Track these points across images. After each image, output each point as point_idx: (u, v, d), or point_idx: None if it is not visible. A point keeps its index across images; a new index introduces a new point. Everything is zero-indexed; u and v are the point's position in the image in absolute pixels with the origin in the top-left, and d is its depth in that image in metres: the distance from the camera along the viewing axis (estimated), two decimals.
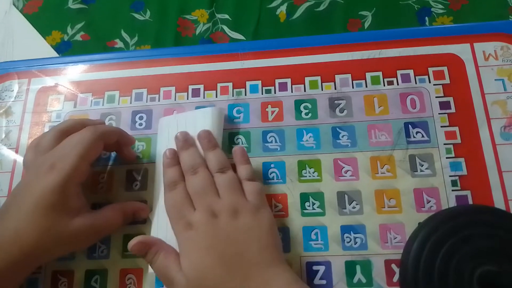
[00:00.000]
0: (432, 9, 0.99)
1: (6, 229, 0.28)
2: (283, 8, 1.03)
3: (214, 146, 0.32)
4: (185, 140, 0.33)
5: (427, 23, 0.98)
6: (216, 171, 0.31)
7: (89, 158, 0.30)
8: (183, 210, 0.29)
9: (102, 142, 0.31)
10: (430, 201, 0.31)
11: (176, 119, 0.35)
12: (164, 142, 0.34)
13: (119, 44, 1.03)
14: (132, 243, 0.29)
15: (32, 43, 1.04)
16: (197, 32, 1.03)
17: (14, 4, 1.10)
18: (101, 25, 1.06)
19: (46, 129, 0.37)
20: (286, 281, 0.27)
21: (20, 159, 0.36)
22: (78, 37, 1.05)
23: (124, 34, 1.04)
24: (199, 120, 0.34)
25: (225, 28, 1.02)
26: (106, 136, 0.31)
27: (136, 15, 1.06)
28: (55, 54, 1.02)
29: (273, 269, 0.27)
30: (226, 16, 1.03)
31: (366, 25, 0.99)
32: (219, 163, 0.31)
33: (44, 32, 1.05)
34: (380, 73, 0.35)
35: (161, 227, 0.32)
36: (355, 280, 0.30)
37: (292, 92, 0.36)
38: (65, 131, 0.31)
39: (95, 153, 0.31)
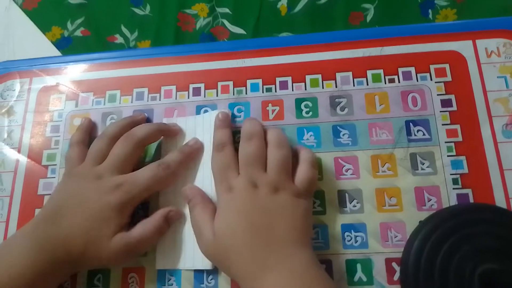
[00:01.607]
0: (436, 2, 0.98)
1: (59, 234, 0.29)
2: (284, 1, 1.02)
3: (276, 127, 0.33)
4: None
5: (430, 15, 0.97)
6: (273, 145, 0.31)
7: (154, 191, 0.32)
8: (228, 173, 0.31)
9: (174, 179, 0.33)
10: (431, 200, 0.31)
11: (184, 122, 0.35)
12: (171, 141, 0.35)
13: (119, 39, 1.03)
14: (186, 188, 0.32)
15: (32, 39, 1.04)
16: (198, 26, 1.02)
17: (13, 0, 1.09)
18: (101, 20, 1.05)
19: (48, 129, 0.37)
20: (306, 261, 0.27)
21: (22, 158, 0.36)
22: (78, 33, 1.04)
23: (124, 29, 1.04)
24: (207, 123, 0.34)
25: (226, 22, 1.02)
26: (179, 172, 0.33)
27: (136, 10, 1.05)
28: (55, 50, 1.02)
29: (297, 249, 0.28)
30: (227, 10, 1.03)
31: (368, 18, 0.98)
32: (278, 139, 0.32)
33: (44, 28, 1.05)
34: (381, 71, 0.35)
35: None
36: (356, 278, 0.30)
37: (292, 90, 0.36)
38: (114, 137, 0.33)
39: (162, 189, 0.33)
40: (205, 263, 0.31)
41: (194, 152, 0.34)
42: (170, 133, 0.35)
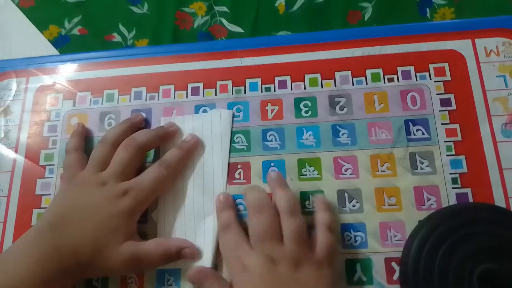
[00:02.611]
0: (433, 0, 0.98)
1: (67, 243, 0.29)
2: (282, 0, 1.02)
3: (284, 184, 0.31)
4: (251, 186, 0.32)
5: (428, 14, 0.97)
6: (285, 213, 0.29)
7: (159, 192, 0.32)
8: (239, 251, 0.28)
9: (175, 177, 0.33)
10: (430, 199, 0.31)
11: (182, 122, 0.35)
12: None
13: (117, 38, 1.02)
14: (192, 272, 0.30)
15: (29, 38, 1.03)
16: (195, 25, 1.02)
17: None
18: (98, 19, 1.05)
19: (45, 128, 0.37)
20: None
21: (19, 158, 0.36)
22: (75, 31, 1.04)
23: (122, 28, 1.03)
24: (208, 122, 0.34)
25: (224, 21, 1.01)
26: (180, 166, 0.33)
27: (134, 8, 1.05)
28: (52, 48, 1.01)
29: None
30: (225, 9, 1.02)
31: (366, 16, 0.98)
32: (289, 204, 0.29)
33: (41, 26, 1.04)
34: (380, 70, 0.35)
35: (167, 227, 0.32)
36: (356, 278, 0.30)
37: (292, 90, 0.35)
38: (115, 143, 0.32)
39: (166, 189, 0.33)
40: (205, 261, 0.31)
41: (192, 148, 0.33)
42: (169, 136, 0.34)
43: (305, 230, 0.29)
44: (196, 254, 0.31)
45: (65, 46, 1.02)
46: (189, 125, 0.35)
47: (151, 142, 0.33)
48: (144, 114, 0.36)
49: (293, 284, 0.27)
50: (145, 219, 0.33)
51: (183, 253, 0.30)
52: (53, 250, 0.28)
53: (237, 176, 0.33)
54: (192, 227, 0.32)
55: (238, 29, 1.01)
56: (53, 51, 1.01)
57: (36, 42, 1.02)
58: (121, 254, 0.29)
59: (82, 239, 0.29)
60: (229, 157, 0.34)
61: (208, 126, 0.35)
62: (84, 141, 0.35)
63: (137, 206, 0.30)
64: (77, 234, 0.29)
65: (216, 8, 1.03)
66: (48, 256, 0.28)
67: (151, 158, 0.35)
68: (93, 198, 0.30)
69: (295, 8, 1.01)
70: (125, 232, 0.30)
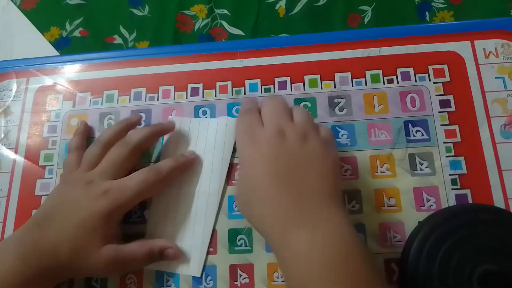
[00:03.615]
0: (433, 4, 0.98)
1: (47, 241, 0.28)
2: (283, 3, 1.02)
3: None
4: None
5: (427, 17, 0.97)
6: (295, 107, 0.31)
7: (145, 197, 0.31)
8: (252, 127, 0.29)
9: (165, 185, 0.32)
10: (429, 200, 0.31)
11: (189, 123, 0.35)
12: (172, 142, 0.35)
13: (117, 40, 1.03)
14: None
15: (31, 40, 1.04)
16: (196, 27, 1.02)
17: (11, 0, 1.09)
18: (99, 21, 1.05)
19: (45, 129, 0.37)
20: (340, 219, 0.25)
21: (19, 158, 0.36)
22: (76, 33, 1.04)
23: (122, 30, 1.03)
24: (212, 129, 0.34)
25: (224, 23, 1.02)
26: (171, 176, 0.32)
27: (135, 11, 1.05)
28: (53, 50, 1.02)
29: (332, 203, 0.26)
30: (225, 11, 1.03)
31: (366, 20, 0.99)
32: (301, 109, 0.31)
33: (42, 28, 1.05)
34: (380, 71, 0.35)
35: (157, 224, 0.32)
36: None
37: (291, 90, 0.36)
38: (108, 143, 0.32)
39: (153, 194, 0.33)
40: (192, 270, 0.31)
41: (188, 163, 0.33)
42: (165, 132, 0.34)
43: (312, 119, 0.30)
44: (178, 255, 0.31)
45: (66, 48, 1.02)
46: (195, 129, 0.35)
47: (145, 139, 0.33)
48: (142, 115, 0.36)
49: (300, 153, 0.27)
50: (143, 219, 0.33)
51: (166, 253, 0.30)
52: (35, 247, 0.28)
53: (237, 177, 0.33)
54: (181, 233, 0.32)
55: (239, 32, 1.01)
56: (54, 53, 1.02)
57: (37, 44, 1.03)
58: (102, 256, 0.28)
59: (62, 238, 0.28)
60: (225, 167, 0.33)
61: (203, 133, 0.34)
62: (87, 139, 0.35)
63: (115, 208, 0.29)
64: (57, 233, 0.29)
65: (217, 11, 1.03)
66: (30, 253, 0.28)
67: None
68: (77, 196, 0.30)
69: (295, 11, 1.01)
70: (104, 234, 0.29)
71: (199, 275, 0.31)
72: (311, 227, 0.25)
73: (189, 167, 0.33)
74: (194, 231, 0.32)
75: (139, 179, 0.30)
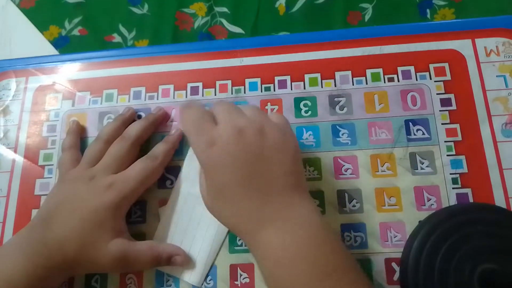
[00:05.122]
0: (434, 1, 0.98)
1: (53, 238, 0.29)
2: (282, 1, 1.02)
3: None
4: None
5: (428, 15, 0.97)
6: (243, 106, 0.30)
7: (147, 184, 0.32)
8: (204, 124, 0.28)
9: (162, 169, 0.33)
10: (430, 199, 0.31)
11: None
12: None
13: (117, 38, 1.02)
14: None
15: (30, 38, 1.03)
16: (196, 26, 1.02)
17: None
18: (98, 20, 1.05)
19: (45, 128, 0.37)
20: (307, 210, 0.26)
21: (18, 158, 0.36)
22: (76, 32, 1.04)
23: (122, 29, 1.03)
24: None
25: (224, 21, 1.01)
26: (167, 158, 0.33)
27: (134, 9, 1.05)
28: (53, 49, 1.01)
29: (295, 196, 0.26)
30: (225, 9, 1.02)
31: (367, 17, 0.98)
32: (249, 105, 0.31)
33: (41, 27, 1.04)
34: (380, 70, 0.35)
35: (170, 223, 0.32)
36: None
37: (291, 89, 0.35)
38: (108, 140, 0.32)
39: (153, 181, 0.33)
40: (194, 279, 0.31)
41: (177, 139, 0.34)
42: (159, 120, 0.35)
43: (262, 110, 0.30)
44: (186, 262, 0.31)
45: (65, 46, 1.02)
46: None
47: (143, 131, 0.33)
48: (134, 109, 0.36)
49: (260, 149, 0.27)
50: (143, 219, 0.33)
51: (173, 260, 0.30)
52: (41, 245, 0.28)
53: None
54: (190, 240, 0.32)
55: (239, 30, 1.01)
56: (53, 51, 1.01)
57: (36, 42, 1.03)
58: (110, 251, 0.29)
59: (69, 234, 0.29)
60: None
61: None
62: (80, 138, 0.35)
63: (122, 200, 0.30)
64: (63, 229, 0.29)
65: (217, 9, 1.03)
66: (37, 251, 0.28)
67: None
68: (81, 192, 0.30)
69: (295, 9, 1.01)
70: (112, 227, 0.29)
71: (200, 286, 0.31)
72: (280, 222, 0.25)
73: (178, 143, 0.34)
74: (204, 241, 0.31)
75: (139, 168, 0.31)
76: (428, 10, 0.97)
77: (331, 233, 0.26)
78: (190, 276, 0.31)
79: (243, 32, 1.00)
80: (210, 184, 0.28)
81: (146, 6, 1.05)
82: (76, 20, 1.05)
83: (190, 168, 0.34)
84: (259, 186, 0.26)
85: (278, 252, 0.25)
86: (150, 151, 0.33)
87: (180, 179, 0.33)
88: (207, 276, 0.31)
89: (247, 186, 0.26)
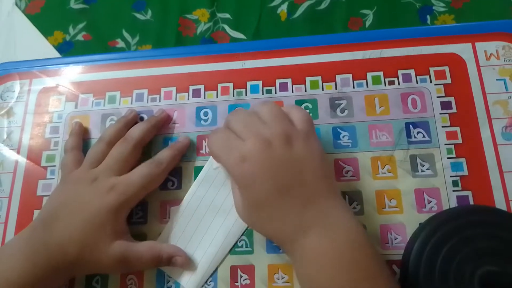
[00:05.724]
0: (434, 7, 0.98)
1: (55, 239, 0.29)
2: (284, 7, 1.03)
3: None
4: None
5: (428, 21, 0.97)
6: (257, 104, 0.30)
7: (149, 189, 0.32)
8: (232, 143, 0.28)
9: (166, 175, 0.33)
10: (431, 202, 0.31)
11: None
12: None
13: (120, 44, 1.03)
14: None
15: (34, 44, 1.04)
16: (198, 31, 1.03)
17: (16, 5, 1.10)
18: (102, 25, 1.05)
19: (48, 130, 0.37)
20: (344, 213, 0.27)
21: (21, 159, 0.36)
22: (80, 37, 1.05)
23: (125, 34, 1.04)
24: None
25: (226, 27, 1.02)
26: (172, 164, 0.33)
27: (138, 15, 1.06)
28: (57, 54, 1.02)
29: (330, 200, 0.27)
30: (227, 15, 1.03)
31: (368, 23, 0.99)
32: (265, 106, 0.29)
33: (46, 32, 1.05)
34: (381, 73, 0.35)
35: (179, 224, 0.32)
36: None
37: (292, 92, 0.36)
38: (111, 141, 0.33)
39: (156, 186, 0.33)
40: (191, 285, 0.31)
41: (183, 148, 0.34)
42: (161, 122, 0.35)
43: (282, 110, 0.29)
44: (186, 264, 0.31)
45: (69, 51, 1.03)
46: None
47: (145, 134, 0.33)
48: (136, 111, 0.36)
49: (290, 160, 0.27)
50: (144, 220, 0.33)
51: (174, 261, 0.30)
52: (42, 246, 0.29)
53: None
54: (195, 246, 0.32)
55: (241, 36, 1.01)
56: (57, 56, 1.02)
57: (41, 47, 1.04)
58: (110, 253, 0.29)
59: (70, 235, 0.29)
60: None
61: None
62: (82, 140, 0.36)
63: (123, 202, 0.30)
64: (65, 231, 0.29)
65: (219, 15, 1.04)
66: (38, 252, 0.28)
67: None
68: (83, 194, 0.30)
69: (296, 15, 1.02)
70: (114, 229, 0.29)
71: None
72: (319, 227, 0.26)
73: (185, 151, 0.34)
74: (208, 249, 0.31)
75: (143, 173, 0.31)
76: (428, 16, 0.97)
77: (367, 236, 0.27)
78: (188, 281, 0.31)
79: (245, 37, 1.01)
80: (246, 198, 0.28)
81: (149, 12, 1.06)
82: (80, 26, 1.06)
83: (209, 177, 0.33)
84: (295, 194, 0.27)
85: (319, 257, 0.25)
86: (156, 155, 0.33)
87: (197, 182, 0.33)
88: (205, 283, 0.31)
89: (283, 196, 0.27)
